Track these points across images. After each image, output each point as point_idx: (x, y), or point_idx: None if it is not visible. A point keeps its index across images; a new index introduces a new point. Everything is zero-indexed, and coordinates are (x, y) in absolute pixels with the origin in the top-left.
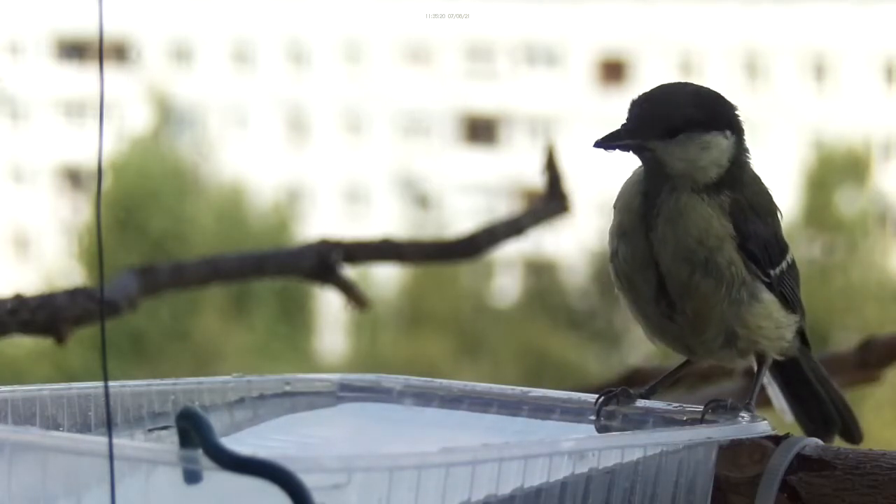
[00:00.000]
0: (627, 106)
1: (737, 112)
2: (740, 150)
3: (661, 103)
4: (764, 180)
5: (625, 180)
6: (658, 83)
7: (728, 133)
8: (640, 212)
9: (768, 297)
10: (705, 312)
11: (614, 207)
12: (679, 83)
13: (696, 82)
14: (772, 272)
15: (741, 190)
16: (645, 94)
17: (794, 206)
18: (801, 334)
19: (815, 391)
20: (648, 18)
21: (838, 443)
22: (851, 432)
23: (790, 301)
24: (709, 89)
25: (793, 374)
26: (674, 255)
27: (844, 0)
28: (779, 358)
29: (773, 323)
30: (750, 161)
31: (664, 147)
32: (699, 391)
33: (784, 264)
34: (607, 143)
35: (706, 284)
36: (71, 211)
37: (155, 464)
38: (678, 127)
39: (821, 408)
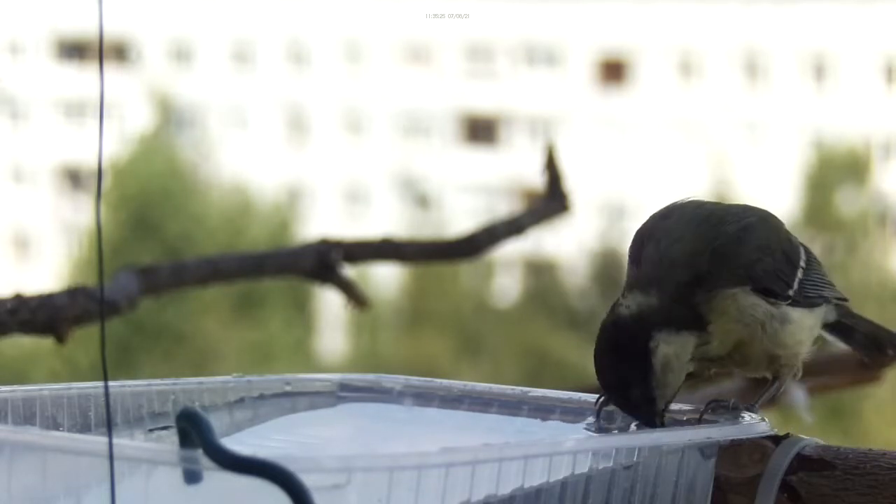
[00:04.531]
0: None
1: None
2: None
3: (615, 363)
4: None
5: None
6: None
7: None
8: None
9: (797, 315)
10: (747, 353)
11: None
12: (609, 328)
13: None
14: (791, 292)
15: (717, 263)
16: (602, 358)
17: (794, 206)
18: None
19: (862, 331)
20: (648, 18)
21: (840, 441)
22: None
23: (814, 297)
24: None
25: (836, 327)
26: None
27: (844, 0)
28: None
29: (807, 332)
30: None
31: (658, 381)
32: (699, 391)
33: (799, 273)
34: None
35: (741, 334)
36: (71, 211)
37: (155, 464)
38: (649, 355)
39: (869, 337)
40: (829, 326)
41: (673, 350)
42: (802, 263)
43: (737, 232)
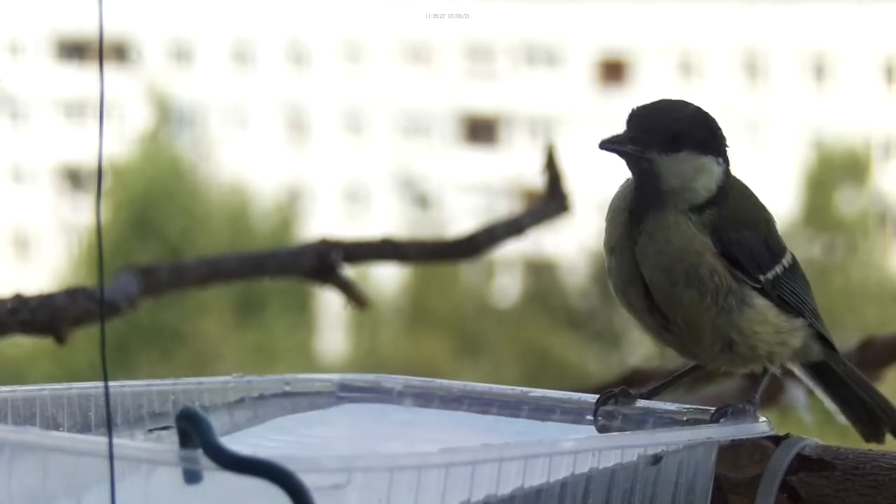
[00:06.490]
0: (627, 114)
1: (726, 139)
2: (727, 177)
3: (664, 117)
4: (753, 187)
5: (614, 195)
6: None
7: (720, 160)
8: (626, 227)
9: (762, 303)
10: (696, 321)
11: (606, 221)
12: (680, 100)
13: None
14: (762, 277)
15: (723, 206)
16: (647, 106)
17: (794, 206)
18: (823, 339)
19: (855, 392)
20: (648, 18)
21: (839, 441)
22: None
23: (792, 305)
24: (707, 112)
25: (828, 378)
26: (653, 268)
27: (844, 0)
28: (777, 371)
29: (770, 328)
30: (734, 181)
31: (664, 161)
32: (699, 391)
33: (778, 268)
34: (610, 145)
35: (689, 295)
36: (71, 211)
37: (155, 464)
38: (681, 144)
39: (865, 408)
40: (816, 372)
41: (714, 171)
42: (785, 263)
43: (733, 192)
